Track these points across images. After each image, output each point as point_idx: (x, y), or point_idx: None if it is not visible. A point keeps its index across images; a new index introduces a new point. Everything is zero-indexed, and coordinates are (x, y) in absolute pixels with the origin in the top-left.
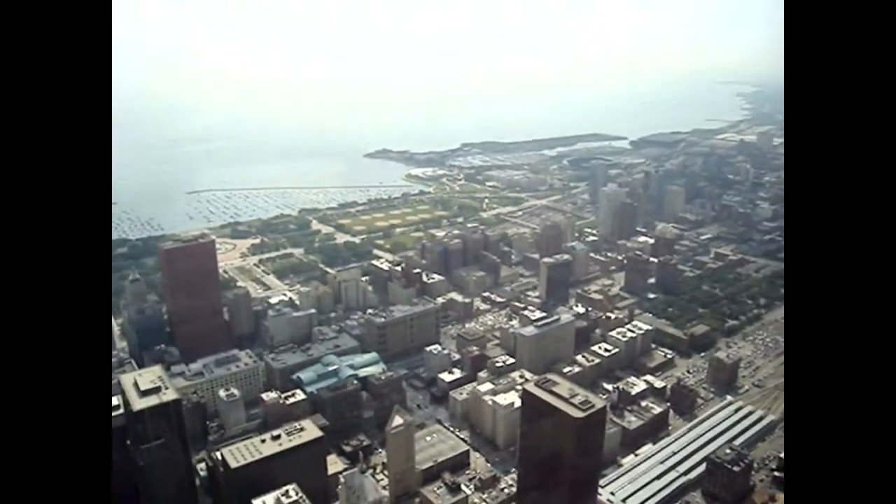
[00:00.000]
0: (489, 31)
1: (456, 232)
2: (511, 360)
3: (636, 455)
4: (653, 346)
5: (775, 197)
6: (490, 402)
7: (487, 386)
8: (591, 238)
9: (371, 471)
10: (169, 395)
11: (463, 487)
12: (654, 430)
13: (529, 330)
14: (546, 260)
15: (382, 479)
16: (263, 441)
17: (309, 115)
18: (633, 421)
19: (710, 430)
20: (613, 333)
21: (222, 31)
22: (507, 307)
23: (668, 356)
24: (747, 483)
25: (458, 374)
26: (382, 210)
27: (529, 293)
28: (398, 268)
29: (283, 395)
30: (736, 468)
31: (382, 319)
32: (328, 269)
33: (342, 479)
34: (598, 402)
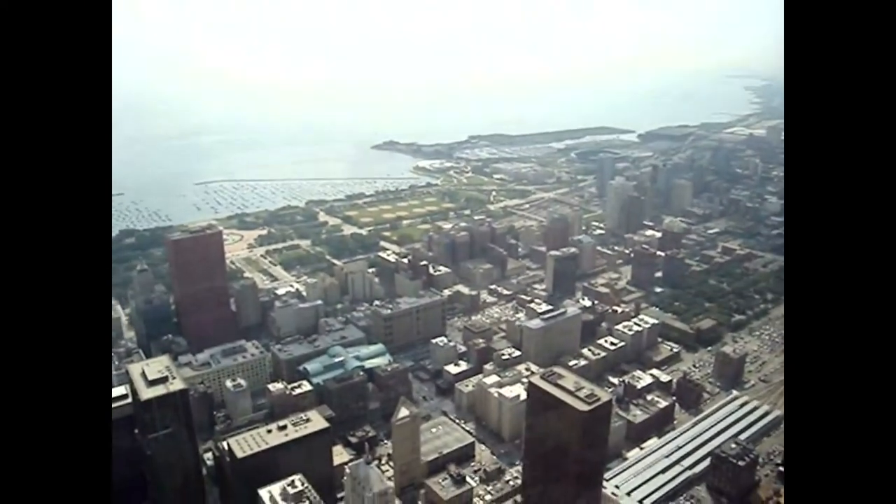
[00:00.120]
0: (490, 30)
1: (463, 224)
2: (517, 353)
3: (641, 448)
4: (659, 340)
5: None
6: (496, 395)
7: (493, 378)
8: (598, 231)
9: (376, 462)
10: (176, 385)
11: (468, 479)
12: (660, 423)
13: (536, 323)
14: (553, 253)
15: (388, 471)
16: (270, 431)
17: (311, 111)
18: (638, 414)
19: (715, 424)
20: (620, 327)
21: (222, 31)
22: (513, 300)
23: (675, 350)
24: (752, 478)
25: (463, 366)
26: (389, 202)
27: (536, 286)
28: (405, 260)
29: (289, 386)
30: (741, 463)
31: (389, 311)
32: (335, 261)
33: (348, 470)
34: (604, 395)
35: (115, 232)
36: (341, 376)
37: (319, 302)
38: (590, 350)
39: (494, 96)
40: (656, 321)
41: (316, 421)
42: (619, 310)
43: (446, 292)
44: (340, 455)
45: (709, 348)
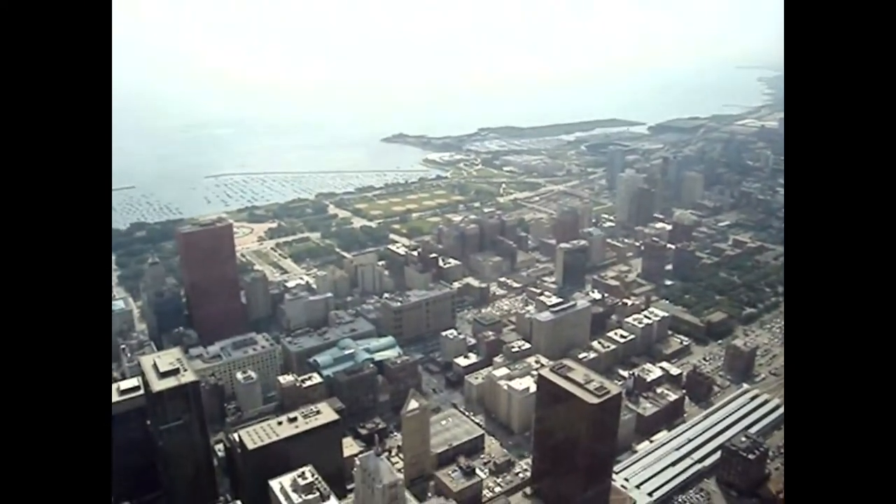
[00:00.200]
0: (494, 30)
1: (473, 217)
2: (527, 346)
3: (651, 441)
4: (669, 332)
5: None
6: (505, 387)
7: (503, 371)
8: (608, 224)
9: (386, 454)
10: (187, 377)
11: (477, 471)
12: (670, 417)
13: (545, 315)
14: (563, 245)
15: (398, 462)
16: (280, 423)
17: (315, 108)
18: (648, 407)
19: (725, 417)
20: (629, 320)
21: (224, 32)
22: (523, 292)
23: (685, 343)
24: (763, 471)
25: (473, 358)
26: (399, 195)
27: (546, 279)
28: (414, 252)
29: (299, 378)
30: (751, 456)
31: (398, 304)
32: (345, 254)
33: (357, 462)
34: (614, 388)
35: (126, 225)
36: (351, 369)
37: (329, 294)
38: (600, 343)
39: (500, 95)
40: (666, 314)
41: (326, 413)
42: (629, 302)
43: (456, 285)
44: (350, 447)
45: (719, 341)
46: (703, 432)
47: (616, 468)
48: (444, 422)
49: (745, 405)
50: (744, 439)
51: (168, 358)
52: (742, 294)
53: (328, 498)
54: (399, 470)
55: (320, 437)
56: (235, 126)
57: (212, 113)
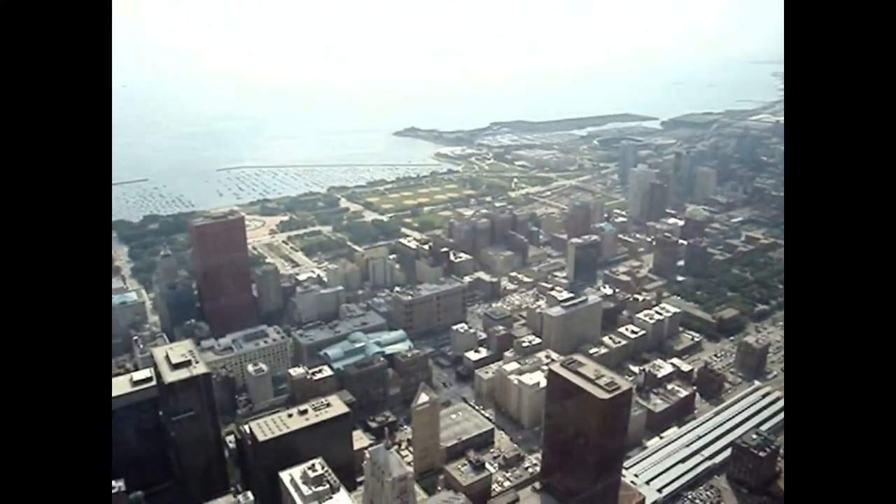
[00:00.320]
0: (509, 27)
1: (484, 211)
2: (537, 341)
3: (661, 438)
4: (680, 329)
5: None
6: (516, 382)
7: (513, 365)
8: (620, 219)
9: (396, 447)
10: (199, 369)
11: (487, 465)
12: (680, 413)
13: (556, 310)
14: (574, 240)
15: (407, 456)
16: (290, 415)
17: (322, 104)
18: (658, 404)
19: (736, 414)
20: (641, 315)
21: (229, 31)
22: (534, 287)
23: (696, 339)
24: (774, 469)
25: (484, 353)
26: (410, 188)
27: (557, 273)
28: (426, 246)
29: (310, 371)
30: (762, 453)
31: (409, 297)
32: (356, 247)
33: (367, 455)
34: (624, 383)
35: (139, 217)
36: (362, 362)
37: (340, 288)
38: (610, 338)
39: (511, 91)
40: (678, 310)
41: (336, 406)
42: (641, 298)
43: (467, 279)
44: (360, 440)
45: (731, 338)
46: (714, 429)
47: (626, 464)
48: (454, 416)
49: (756, 402)
50: (755, 436)
51: (180, 349)
52: (754, 291)
53: (338, 490)
54: (409, 463)
55: (330, 430)
56: (246, 120)
57: (222, 107)
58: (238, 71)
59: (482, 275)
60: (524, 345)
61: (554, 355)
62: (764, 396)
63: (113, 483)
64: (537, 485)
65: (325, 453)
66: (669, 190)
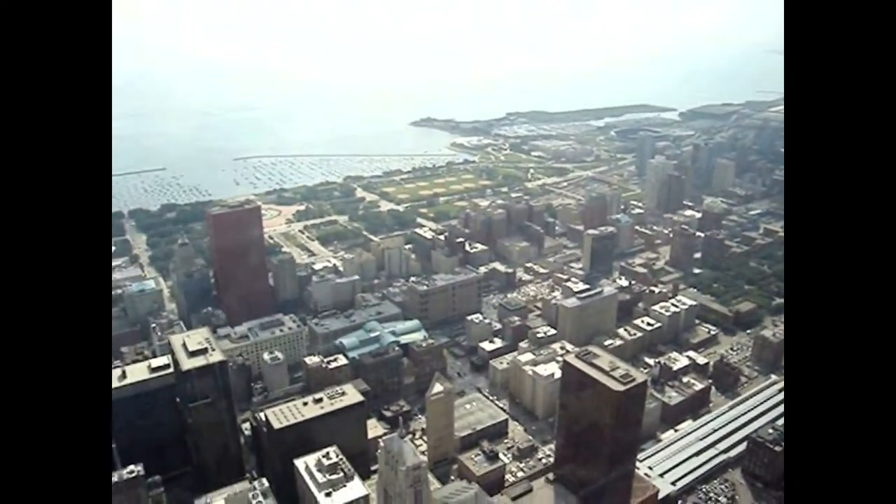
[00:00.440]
0: (524, 22)
1: (500, 202)
2: (552, 332)
3: (676, 431)
4: (697, 321)
5: None
6: (530, 373)
7: (528, 356)
8: (637, 211)
9: (410, 436)
10: (216, 357)
11: (500, 456)
12: (695, 406)
13: (572, 301)
14: (590, 232)
15: (421, 445)
16: (306, 404)
17: (336, 97)
18: (673, 396)
19: (752, 408)
20: (657, 307)
21: (241, 28)
22: (549, 278)
23: (712, 332)
24: None
25: (498, 343)
26: (426, 179)
27: (573, 265)
28: (441, 236)
29: (325, 360)
30: (778, 448)
31: (425, 287)
32: (372, 237)
33: (382, 443)
34: (639, 376)
35: (157, 206)
36: (377, 351)
37: (356, 277)
38: (626, 330)
39: (529, 82)
40: (694, 303)
41: (351, 394)
42: (657, 290)
43: (482, 269)
44: (375, 428)
45: (748, 331)
46: (729, 423)
47: (640, 456)
48: (468, 406)
49: (772, 396)
50: (770, 431)
51: (197, 337)
52: (772, 284)
53: (352, 478)
54: (423, 452)
55: (345, 418)
56: (263, 110)
57: (239, 99)
58: (259, 63)
59: (497, 265)
60: (539, 336)
61: (569, 346)
62: (780, 391)
63: (132, 468)
64: (551, 476)
65: (340, 441)
66: (687, 181)
